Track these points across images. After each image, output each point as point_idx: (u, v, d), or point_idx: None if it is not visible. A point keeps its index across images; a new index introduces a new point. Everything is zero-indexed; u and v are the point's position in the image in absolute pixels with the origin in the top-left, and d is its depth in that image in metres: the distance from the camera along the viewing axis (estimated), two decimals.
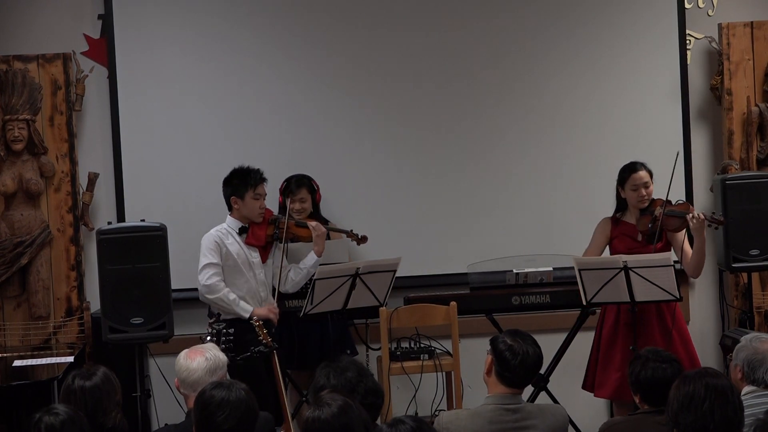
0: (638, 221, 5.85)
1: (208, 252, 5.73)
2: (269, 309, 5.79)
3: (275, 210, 6.14)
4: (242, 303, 5.72)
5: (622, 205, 5.95)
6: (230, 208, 5.86)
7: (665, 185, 5.82)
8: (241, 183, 5.81)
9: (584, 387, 6.00)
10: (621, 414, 5.84)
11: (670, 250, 5.80)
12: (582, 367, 6.02)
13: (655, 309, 5.72)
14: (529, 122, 6.81)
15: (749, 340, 4.10)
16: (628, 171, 5.87)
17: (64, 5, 6.62)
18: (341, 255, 6.18)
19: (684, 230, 5.81)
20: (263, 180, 5.85)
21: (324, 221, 6.33)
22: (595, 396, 5.94)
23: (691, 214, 5.67)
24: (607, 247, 5.99)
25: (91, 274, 6.50)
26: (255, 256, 5.84)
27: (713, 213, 5.84)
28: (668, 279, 5.49)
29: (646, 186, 5.83)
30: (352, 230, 6.01)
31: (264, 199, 5.86)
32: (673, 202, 5.79)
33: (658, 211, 5.75)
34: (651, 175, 5.87)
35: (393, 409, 5.94)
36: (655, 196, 5.86)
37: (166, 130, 6.64)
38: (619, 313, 5.79)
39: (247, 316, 5.65)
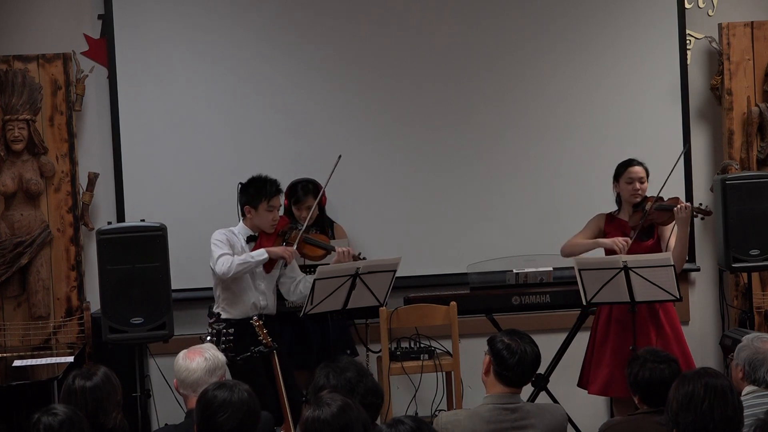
0: (631, 217, 5.92)
1: (220, 243, 5.72)
2: (284, 249, 5.77)
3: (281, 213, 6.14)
4: (253, 252, 5.73)
5: (619, 204, 6.01)
6: (243, 215, 5.86)
7: (665, 185, 5.85)
8: (256, 193, 5.80)
9: (579, 384, 6.03)
10: (621, 412, 5.87)
11: (661, 247, 5.87)
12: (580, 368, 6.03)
13: (647, 307, 5.74)
14: (530, 122, 6.81)
15: (750, 340, 4.11)
16: (625, 165, 5.97)
17: (64, 5, 6.63)
18: None
19: (672, 225, 5.86)
20: (279, 192, 5.85)
21: (329, 222, 6.35)
22: (588, 393, 5.95)
23: (679, 205, 5.74)
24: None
25: (91, 274, 6.50)
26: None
27: (700, 204, 5.87)
28: (668, 279, 5.50)
29: (641, 180, 5.91)
30: (359, 254, 5.98)
31: (278, 211, 5.87)
32: (665, 199, 5.85)
33: (649, 205, 5.83)
34: (647, 172, 5.94)
35: (393, 409, 5.94)
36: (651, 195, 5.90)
37: (166, 131, 6.64)
38: (611, 311, 5.83)
39: (265, 256, 5.67)
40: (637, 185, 5.89)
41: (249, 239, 5.82)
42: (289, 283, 5.95)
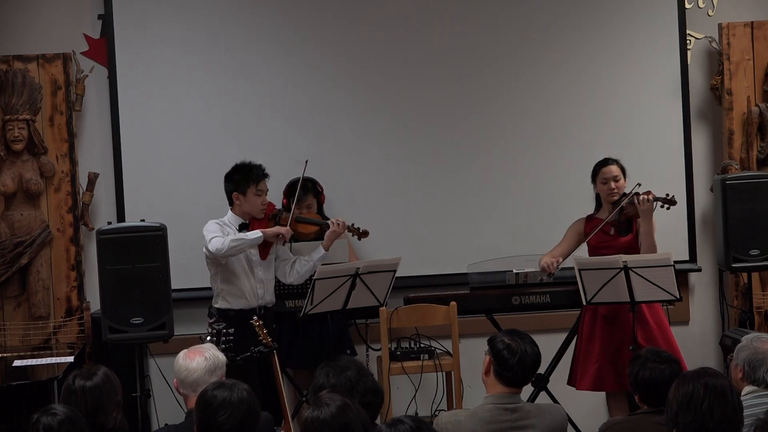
0: (609, 215, 5.91)
1: (211, 232, 5.71)
2: (278, 228, 5.77)
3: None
4: (248, 233, 5.71)
5: (599, 203, 6.03)
6: (231, 203, 5.87)
7: (662, 185, 5.84)
8: (243, 179, 5.81)
9: (569, 382, 6.04)
10: (614, 406, 5.89)
11: (638, 242, 5.86)
12: None
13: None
14: (529, 122, 6.81)
15: (750, 340, 4.11)
16: (599, 165, 6.00)
17: (64, 5, 6.63)
18: (341, 255, 6.18)
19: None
20: (265, 176, 5.86)
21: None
22: (576, 389, 5.96)
23: (641, 197, 5.74)
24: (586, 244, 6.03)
25: (91, 274, 6.50)
26: (254, 254, 5.84)
27: (667, 194, 5.84)
28: (668, 279, 5.50)
29: (615, 179, 5.92)
30: (353, 224, 6.00)
31: (266, 195, 5.87)
32: (641, 194, 5.83)
33: (624, 201, 5.83)
34: (623, 170, 5.96)
35: (393, 409, 5.95)
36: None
37: (166, 130, 6.64)
38: (596, 308, 5.84)
39: (259, 235, 5.66)
40: (612, 185, 5.91)
41: (241, 227, 5.83)
42: (283, 266, 5.95)
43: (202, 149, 6.64)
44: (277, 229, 5.77)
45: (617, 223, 5.89)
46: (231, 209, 5.87)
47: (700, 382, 3.41)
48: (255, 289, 5.83)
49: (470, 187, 6.79)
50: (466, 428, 3.89)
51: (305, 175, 6.16)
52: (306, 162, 5.94)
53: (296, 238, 6.01)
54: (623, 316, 5.69)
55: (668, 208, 5.85)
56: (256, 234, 5.71)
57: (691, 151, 6.85)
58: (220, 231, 5.73)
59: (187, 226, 6.35)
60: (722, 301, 6.83)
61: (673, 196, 5.84)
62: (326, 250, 5.89)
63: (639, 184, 5.81)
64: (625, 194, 5.92)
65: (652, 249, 5.78)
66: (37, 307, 6.49)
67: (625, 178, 5.95)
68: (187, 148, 6.64)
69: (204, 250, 5.74)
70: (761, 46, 6.78)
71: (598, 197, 6.04)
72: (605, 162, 5.98)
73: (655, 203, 5.77)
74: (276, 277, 6.00)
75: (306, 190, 6.23)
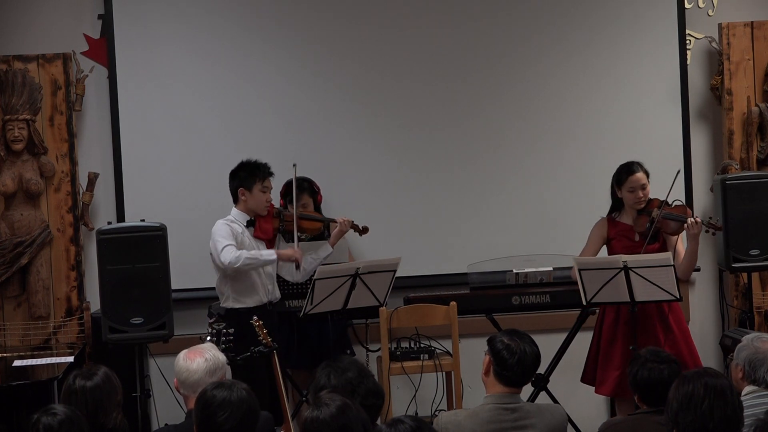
0: (635, 221, 5.83)
1: (222, 237, 5.70)
2: (293, 251, 5.84)
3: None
4: (263, 251, 5.78)
5: (617, 204, 5.93)
6: (236, 200, 5.87)
7: (662, 185, 5.83)
8: (249, 175, 5.83)
9: (583, 380, 5.99)
10: (623, 412, 5.86)
11: (667, 251, 5.81)
12: (582, 367, 6.01)
13: (655, 307, 5.72)
14: (529, 122, 6.81)
15: (751, 340, 4.11)
16: (626, 173, 5.83)
17: (64, 5, 6.63)
18: (342, 255, 6.19)
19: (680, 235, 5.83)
20: (271, 174, 5.88)
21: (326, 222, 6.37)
22: (596, 392, 5.93)
23: (690, 220, 5.67)
24: (605, 247, 5.97)
25: (91, 274, 6.50)
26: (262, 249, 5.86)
27: (710, 218, 5.81)
28: (668, 279, 5.49)
29: (643, 188, 5.80)
30: (353, 221, 6.01)
31: (270, 193, 5.88)
32: (671, 203, 5.78)
33: (656, 213, 5.74)
34: (647, 175, 5.85)
35: (393, 409, 5.95)
36: (651, 196, 5.85)
37: (166, 130, 6.64)
38: (619, 311, 5.78)
39: (274, 257, 5.75)
40: (640, 193, 5.78)
41: (248, 224, 5.86)
42: (289, 266, 5.96)
43: (202, 149, 6.65)
44: (291, 252, 5.83)
45: (646, 231, 5.77)
46: (235, 206, 5.88)
47: (700, 382, 3.41)
48: (266, 285, 5.86)
49: (470, 187, 6.79)
50: (466, 428, 3.89)
51: (300, 175, 6.18)
52: (294, 165, 5.94)
53: (300, 232, 6.01)
54: (648, 323, 5.66)
55: (713, 233, 5.81)
56: (270, 254, 5.76)
57: (690, 151, 6.85)
58: (231, 236, 5.72)
59: (187, 226, 6.35)
60: (722, 301, 6.84)
61: (717, 220, 5.82)
62: (332, 247, 5.92)
63: (679, 171, 5.73)
64: (650, 200, 5.80)
65: (693, 267, 5.79)
66: (37, 307, 6.49)
67: (648, 181, 5.83)
68: (187, 148, 6.64)
69: (212, 253, 5.73)
70: (761, 46, 6.78)
71: (615, 198, 5.90)
72: (632, 169, 5.81)
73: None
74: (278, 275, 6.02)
75: (302, 189, 6.23)
